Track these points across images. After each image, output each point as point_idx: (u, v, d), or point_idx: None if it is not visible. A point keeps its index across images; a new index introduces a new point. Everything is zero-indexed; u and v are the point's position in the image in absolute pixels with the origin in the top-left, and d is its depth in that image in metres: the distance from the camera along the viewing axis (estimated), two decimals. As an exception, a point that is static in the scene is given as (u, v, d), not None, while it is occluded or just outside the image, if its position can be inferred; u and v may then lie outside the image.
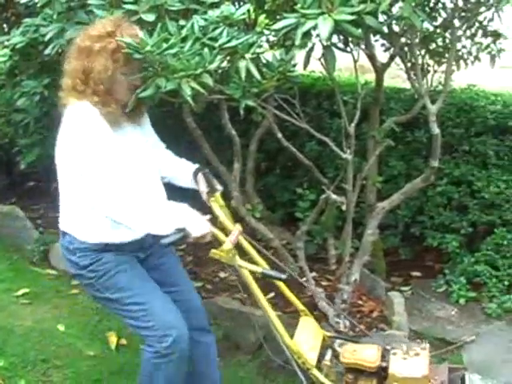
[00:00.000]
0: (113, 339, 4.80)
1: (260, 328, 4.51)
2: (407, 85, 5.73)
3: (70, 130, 3.19)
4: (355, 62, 4.56)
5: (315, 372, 3.36)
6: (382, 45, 5.09)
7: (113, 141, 3.24)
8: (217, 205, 3.63)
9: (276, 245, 5.17)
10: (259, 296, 3.41)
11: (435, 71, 5.37)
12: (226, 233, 3.37)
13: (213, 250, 3.22)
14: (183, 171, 3.80)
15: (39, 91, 5.49)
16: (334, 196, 4.48)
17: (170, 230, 3.06)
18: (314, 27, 3.43)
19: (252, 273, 3.37)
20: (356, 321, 4.75)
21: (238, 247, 3.44)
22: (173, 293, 3.54)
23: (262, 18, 4.74)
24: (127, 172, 3.30)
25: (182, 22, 3.76)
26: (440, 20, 4.93)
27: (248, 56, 3.68)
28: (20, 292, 5.52)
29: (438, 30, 5.08)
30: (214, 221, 3.40)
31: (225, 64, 3.75)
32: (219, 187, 3.77)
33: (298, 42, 3.58)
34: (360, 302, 5.03)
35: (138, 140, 3.52)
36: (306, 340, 3.45)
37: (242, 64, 3.65)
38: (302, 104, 4.65)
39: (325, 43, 3.70)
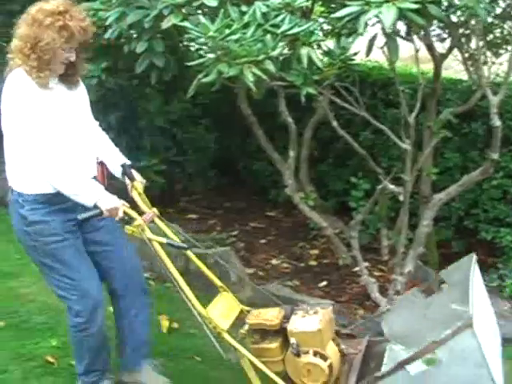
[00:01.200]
0: (164, 322, 4.81)
1: (312, 316, 4.54)
2: (460, 76, 5.67)
3: (6, 97, 3.59)
4: (417, 51, 4.51)
5: (226, 336, 3.49)
6: (438, 35, 5.03)
7: (43, 103, 3.58)
8: (136, 192, 3.94)
9: (329, 233, 5.15)
10: (169, 266, 3.61)
11: (493, 63, 5.28)
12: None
13: (126, 226, 3.60)
14: (113, 161, 4.02)
15: (97, 74, 5.54)
16: (391, 186, 4.45)
17: (85, 201, 3.55)
18: (378, 15, 3.40)
19: (161, 245, 3.63)
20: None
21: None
22: (108, 252, 3.89)
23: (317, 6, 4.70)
24: (57, 131, 3.62)
25: (244, 8, 3.76)
26: (499, 10, 4.84)
27: (309, 43, 3.65)
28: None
29: (497, 21, 4.99)
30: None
31: (286, 51, 3.74)
32: (138, 178, 4.01)
33: (361, 30, 3.56)
34: (412, 294, 4.98)
35: (70, 104, 3.77)
36: (219, 310, 3.64)
37: (304, 51, 3.65)
38: (350, 94, 4.62)
39: (388, 31, 3.66)
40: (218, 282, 3.83)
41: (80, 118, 3.81)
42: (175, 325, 4.79)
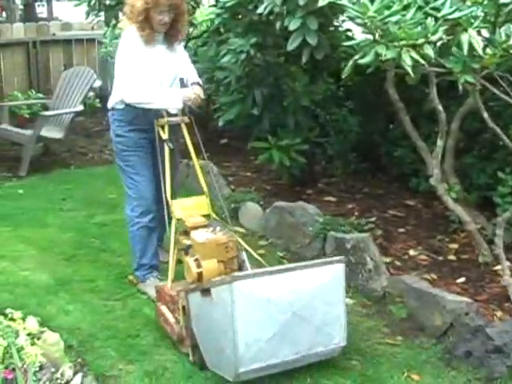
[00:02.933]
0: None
1: (448, 312, 4.40)
2: None
3: (120, 44, 4.83)
4: None
5: (174, 221, 4.61)
6: None
7: (142, 52, 4.71)
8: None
9: (471, 228, 4.99)
10: (167, 160, 4.82)
11: None
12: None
13: (155, 120, 4.84)
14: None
15: (246, 50, 5.54)
16: (543, 185, 4.24)
17: (174, 103, 4.78)
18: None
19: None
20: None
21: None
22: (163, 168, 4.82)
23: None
24: (148, 73, 4.71)
25: (404, -11, 3.63)
26: None
27: (471, 29, 3.50)
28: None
29: None
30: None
31: (445, 36, 3.60)
32: (194, 90, 4.89)
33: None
34: (555, 300, 4.76)
35: (166, 57, 4.87)
36: (185, 203, 4.73)
37: (465, 37, 3.50)
38: (509, 84, 4.42)
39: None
40: (204, 187, 4.78)
41: (171, 69, 4.88)
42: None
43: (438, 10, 3.56)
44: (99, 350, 4.23)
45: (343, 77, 3.39)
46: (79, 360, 4.07)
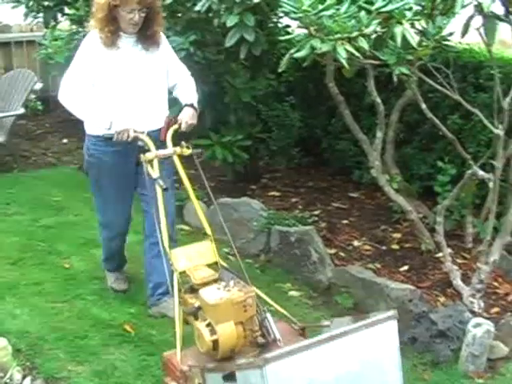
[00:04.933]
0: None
1: (392, 300, 4.48)
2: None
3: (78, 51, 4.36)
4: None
5: (175, 275, 3.80)
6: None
7: (99, 55, 4.23)
8: (171, 128, 4.28)
9: (413, 217, 5.08)
10: (158, 202, 4.02)
11: None
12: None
13: (141, 155, 4.04)
14: (181, 100, 4.50)
15: (185, 47, 5.55)
16: (481, 172, 4.34)
17: (101, 125, 4.20)
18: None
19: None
20: (490, 303, 4.62)
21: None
22: (148, 196, 4.25)
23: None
24: (103, 79, 4.26)
25: (338, -16, 3.69)
26: None
27: (404, 22, 3.57)
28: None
29: None
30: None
31: (379, 29, 3.66)
32: (185, 117, 4.33)
33: (457, 9, 3.47)
34: (496, 284, 4.85)
35: (134, 62, 4.31)
36: (188, 252, 3.93)
37: (398, 29, 3.57)
38: (445, 76, 4.52)
39: (486, 12, 3.55)
40: (208, 230, 4.04)
41: (148, 77, 4.34)
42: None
43: (371, 3, 3.62)
44: (48, 353, 4.21)
45: (280, 71, 3.44)
46: (28, 363, 4.07)
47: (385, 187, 5.02)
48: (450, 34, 3.86)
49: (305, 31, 3.61)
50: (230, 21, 4.76)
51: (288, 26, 6.44)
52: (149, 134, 4.20)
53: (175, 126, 4.28)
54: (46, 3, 7.35)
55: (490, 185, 4.36)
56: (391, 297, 4.50)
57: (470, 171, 4.48)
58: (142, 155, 4.03)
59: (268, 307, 3.71)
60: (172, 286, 3.78)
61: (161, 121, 4.30)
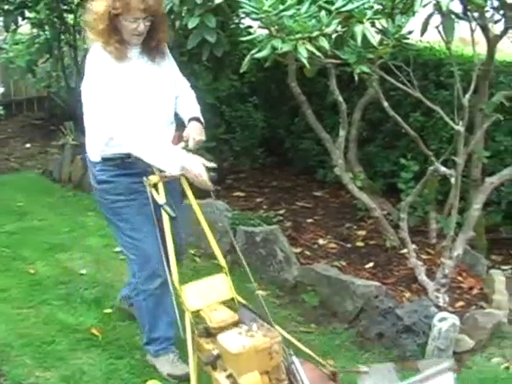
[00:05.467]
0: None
1: (358, 297, 4.52)
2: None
3: (86, 70, 3.75)
4: (472, 31, 4.42)
5: (186, 315, 3.40)
6: (491, 16, 4.93)
7: (117, 72, 3.67)
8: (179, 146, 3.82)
9: (377, 215, 5.13)
10: (167, 231, 3.61)
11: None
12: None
13: (144, 178, 3.62)
14: (185, 117, 4.06)
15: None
16: (443, 168, 4.39)
17: (170, 168, 3.57)
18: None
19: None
20: (455, 297, 4.67)
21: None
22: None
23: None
24: (131, 100, 3.67)
25: (298, -16, 3.70)
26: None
27: (364, 21, 3.60)
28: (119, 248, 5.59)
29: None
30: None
31: (339, 28, 3.69)
32: (192, 134, 3.91)
33: (417, 8, 3.50)
34: (460, 278, 4.91)
35: (147, 72, 3.82)
36: (200, 288, 3.50)
37: (358, 29, 3.59)
38: (407, 74, 4.56)
39: (444, 10, 3.60)
40: (222, 262, 3.65)
41: (158, 89, 3.84)
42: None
43: (331, 3, 3.64)
44: (15, 359, 4.18)
45: (241, 71, 3.44)
46: (-5, 370, 4.04)
47: (348, 185, 5.06)
48: (410, 32, 3.89)
49: (266, 31, 3.63)
50: (192, 22, 4.77)
51: (250, 27, 6.46)
52: None
53: (182, 144, 3.82)
54: (5, 7, 7.29)
55: (452, 180, 4.41)
56: (357, 294, 4.54)
57: (432, 168, 4.53)
58: (145, 178, 3.63)
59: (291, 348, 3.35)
60: (184, 328, 3.41)
61: (171, 136, 3.94)
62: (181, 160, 3.55)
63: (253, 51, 3.36)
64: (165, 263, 3.62)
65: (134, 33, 3.67)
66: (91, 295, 4.92)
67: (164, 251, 3.61)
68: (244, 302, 3.55)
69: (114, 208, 3.88)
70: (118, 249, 5.47)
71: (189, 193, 3.76)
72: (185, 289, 3.45)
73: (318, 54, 3.39)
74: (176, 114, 4.05)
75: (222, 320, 3.33)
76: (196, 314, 3.45)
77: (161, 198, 3.59)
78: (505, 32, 4.81)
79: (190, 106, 4.09)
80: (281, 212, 5.96)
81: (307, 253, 5.29)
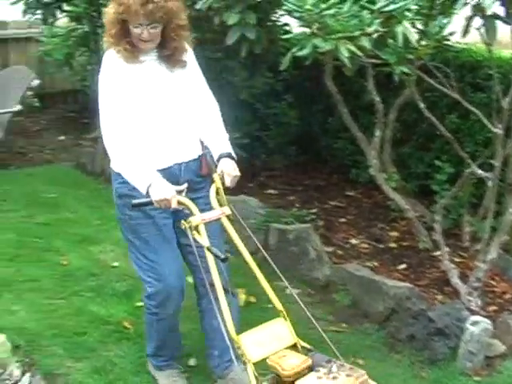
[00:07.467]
0: (241, 296, 4.81)
1: (390, 298, 4.50)
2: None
3: (99, 77, 3.67)
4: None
5: (248, 367, 3.05)
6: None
7: (124, 74, 3.58)
8: (214, 185, 3.54)
9: (411, 216, 5.10)
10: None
11: None
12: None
13: (182, 221, 3.34)
14: (213, 150, 3.71)
15: (186, 46, 5.54)
16: (479, 171, 4.36)
17: (138, 187, 3.43)
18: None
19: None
20: (488, 301, 4.64)
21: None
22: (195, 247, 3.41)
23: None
24: (140, 107, 3.58)
25: (340, -17, 3.70)
26: None
27: (405, 21, 3.59)
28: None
29: None
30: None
31: (380, 28, 3.68)
32: (226, 170, 3.61)
33: (458, 9, 3.49)
34: (493, 282, 4.88)
35: (164, 83, 3.66)
36: (259, 336, 3.17)
37: (399, 29, 3.58)
38: (445, 75, 4.54)
39: (488, 12, 3.57)
40: (278, 306, 3.32)
41: (174, 100, 3.66)
42: (252, 299, 4.79)
43: (373, 2, 3.64)
44: (47, 349, 4.20)
45: (281, 69, 3.45)
46: (27, 360, 4.04)
47: (383, 186, 5.04)
48: (451, 33, 3.88)
49: (306, 30, 3.62)
50: (232, 19, 4.76)
51: (286, 25, 6.46)
52: (187, 165, 3.66)
53: (218, 183, 3.54)
54: (45, 0, 7.33)
55: (489, 184, 4.39)
56: (389, 295, 4.52)
57: (468, 170, 4.50)
58: (183, 221, 3.34)
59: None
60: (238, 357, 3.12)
61: (197, 149, 3.72)
62: (149, 182, 3.38)
63: (294, 49, 3.36)
64: (215, 308, 3.24)
65: (140, 38, 3.53)
66: (122, 288, 4.94)
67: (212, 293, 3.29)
68: (309, 346, 3.25)
69: (133, 225, 3.69)
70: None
71: (232, 234, 3.46)
72: (242, 338, 3.11)
73: (358, 53, 3.38)
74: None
75: (296, 365, 3.03)
76: (256, 364, 3.10)
77: (204, 240, 3.29)
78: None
79: (218, 136, 3.77)
80: (313, 211, 5.94)
81: (339, 252, 5.29)
